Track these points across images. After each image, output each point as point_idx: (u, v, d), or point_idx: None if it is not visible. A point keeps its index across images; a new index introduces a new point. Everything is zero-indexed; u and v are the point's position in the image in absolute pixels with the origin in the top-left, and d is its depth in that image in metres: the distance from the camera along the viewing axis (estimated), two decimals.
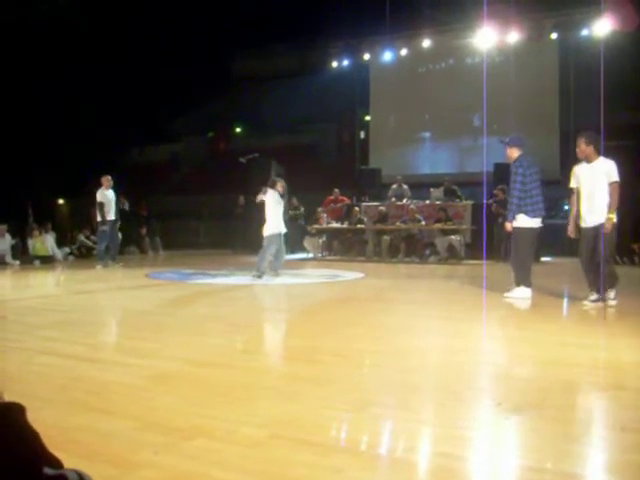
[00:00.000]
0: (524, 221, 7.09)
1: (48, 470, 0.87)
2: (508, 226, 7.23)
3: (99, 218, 12.53)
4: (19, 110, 20.81)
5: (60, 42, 20.88)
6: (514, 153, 7.24)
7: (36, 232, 14.39)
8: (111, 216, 12.56)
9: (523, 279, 7.13)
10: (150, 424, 2.61)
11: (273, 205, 9.58)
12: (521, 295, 7.06)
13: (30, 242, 14.33)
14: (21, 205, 17.74)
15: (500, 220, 13.70)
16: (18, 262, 13.64)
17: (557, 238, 11.89)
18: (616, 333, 4.87)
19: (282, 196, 9.79)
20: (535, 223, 7.13)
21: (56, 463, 0.91)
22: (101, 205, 12.45)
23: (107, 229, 12.50)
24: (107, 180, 12.66)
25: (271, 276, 9.70)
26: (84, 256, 15.65)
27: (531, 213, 7.07)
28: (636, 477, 2.10)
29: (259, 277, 9.47)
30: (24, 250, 14.34)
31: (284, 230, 9.86)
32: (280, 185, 9.78)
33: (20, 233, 14.68)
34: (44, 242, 14.32)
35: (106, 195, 12.55)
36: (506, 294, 7.18)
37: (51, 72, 21.62)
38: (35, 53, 21.34)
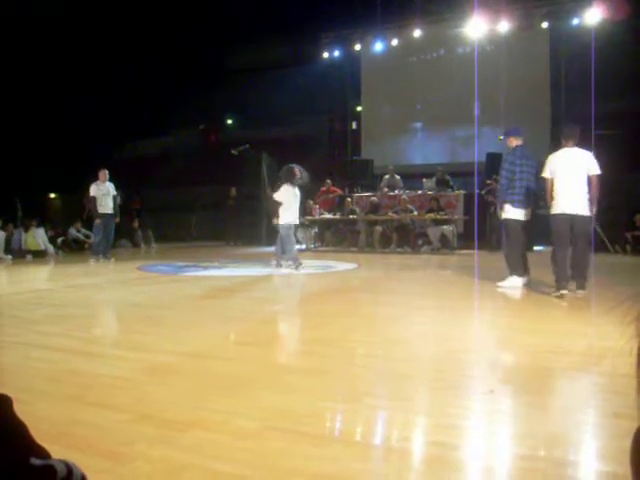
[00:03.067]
0: (510, 212, 7.13)
1: (35, 460, 0.87)
2: (502, 213, 7.28)
3: (93, 212, 12.45)
4: (10, 104, 20.66)
5: (53, 37, 20.73)
6: (512, 143, 7.27)
7: (31, 225, 14.35)
8: (106, 210, 12.43)
9: (514, 268, 7.18)
10: (144, 416, 2.61)
11: (289, 198, 9.62)
12: (512, 284, 7.12)
13: (22, 237, 14.28)
14: (10, 200, 17.64)
15: (492, 209, 13.76)
16: (10, 257, 13.59)
17: (549, 228, 11.96)
18: (606, 321, 4.89)
19: (301, 179, 9.77)
20: (520, 215, 7.15)
21: (44, 454, 0.90)
22: (94, 199, 12.35)
23: (101, 223, 12.42)
24: (104, 173, 12.53)
25: (275, 267, 9.87)
26: (74, 250, 15.59)
27: (517, 204, 7.09)
28: (630, 463, 2.11)
29: (298, 266, 9.60)
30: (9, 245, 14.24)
31: (297, 222, 10.13)
32: (297, 170, 9.77)
33: (7, 228, 14.58)
34: (35, 236, 14.25)
35: (100, 189, 12.41)
36: (499, 283, 7.24)
37: (43, 67, 21.47)
38: (28, 47, 21.19)
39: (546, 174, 6.62)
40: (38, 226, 14.65)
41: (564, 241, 6.49)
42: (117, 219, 12.80)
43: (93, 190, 12.39)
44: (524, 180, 7.08)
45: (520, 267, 7.20)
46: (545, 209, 6.91)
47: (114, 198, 12.64)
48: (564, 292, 6.30)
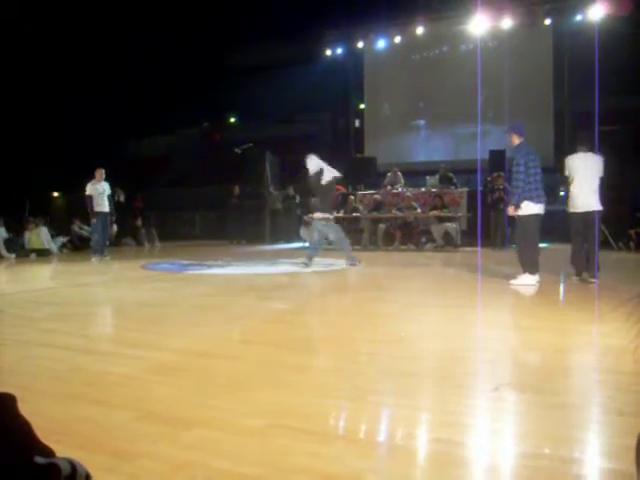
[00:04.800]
0: (529, 208, 7.10)
1: (39, 459, 0.87)
2: (511, 210, 7.19)
3: (89, 211, 12.62)
4: (15, 104, 20.70)
5: (57, 38, 20.76)
6: (514, 140, 7.25)
7: (32, 225, 14.39)
8: (102, 208, 12.59)
9: (528, 266, 7.11)
10: (148, 414, 2.61)
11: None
12: (526, 282, 7.06)
13: (26, 235, 14.31)
14: (17, 199, 17.70)
15: (501, 206, 13.69)
16: (14, 255, 13.62)
17: (553, 224, 11.93)
18: (611, 319, 4.87)
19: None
20: (539, 209, 7.15)
21: (48, 452, 0.91)
22: (90, 198, 12.50)
23: (97, 221, 12.54)
24: (100, 173, 12.70)
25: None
26: (78, 248, 15.64)
27: (536, 199, 7.09)
28: (634, 461, 2.10)
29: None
30: (13, 243, 14.26)
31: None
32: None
33: (15, 227, 14.63)
34: (39, 235, 14.29)
35: (96, 188, 12.59)
36: (511, 281, 7.18)
37: (46, 66, 21.50)
38: (30, 48, 21.22)
39: (566, 173, 7.57)
40: (42, 225, 14.70)
41: (581, 236, 7.41)
42: (114, 217, 13.06)
43: (89, 189, 12.59)
44: (538, 175, 7.11)
45: (536, 265, 7.14)
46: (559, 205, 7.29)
47: (110, 197, 12.78)
48: (577, 278, 7.33)
